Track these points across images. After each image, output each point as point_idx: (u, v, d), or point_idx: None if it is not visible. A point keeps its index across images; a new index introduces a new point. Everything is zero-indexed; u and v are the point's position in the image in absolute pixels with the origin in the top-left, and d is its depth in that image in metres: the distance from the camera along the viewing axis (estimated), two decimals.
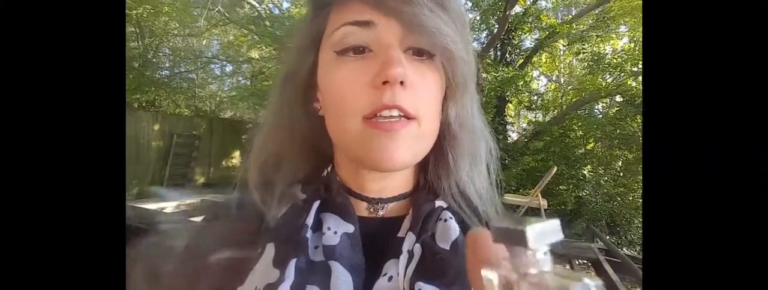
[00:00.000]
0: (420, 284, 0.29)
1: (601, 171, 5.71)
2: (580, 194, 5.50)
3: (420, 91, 0.30)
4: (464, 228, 0.34)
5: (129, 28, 6.88)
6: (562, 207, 5.52)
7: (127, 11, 5.53)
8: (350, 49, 0.30)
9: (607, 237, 4.87)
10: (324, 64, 0.32)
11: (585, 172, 5.61)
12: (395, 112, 0.29)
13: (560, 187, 5.70)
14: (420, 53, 0.31)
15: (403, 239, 0.32)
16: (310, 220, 0.31)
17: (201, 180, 6.18)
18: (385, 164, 0.30)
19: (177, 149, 5.71)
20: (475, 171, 0.37)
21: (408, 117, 0.30)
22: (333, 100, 0.32)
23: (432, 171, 0.36)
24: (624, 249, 4.62)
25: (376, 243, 0.32)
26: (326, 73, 0.32)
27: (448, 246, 0.31)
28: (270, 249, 0.30)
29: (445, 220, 0.33)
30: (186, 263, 0.35)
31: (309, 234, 0.31)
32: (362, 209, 0.35)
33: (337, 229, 0.32)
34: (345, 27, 0.30)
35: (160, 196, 4.27)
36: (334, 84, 0.31)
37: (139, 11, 5.71)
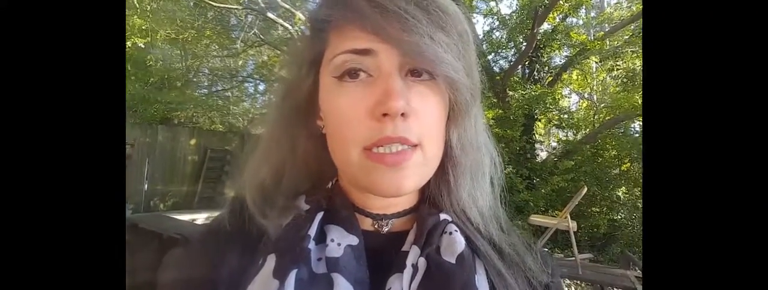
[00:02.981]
0: None
1: (637, 193, 5.38)
2: (615, 217, 5.19)
3: (422, 117, 0.30)
4: (470, 242, 0.34)
5: (175, 51, 7.44)
6: (595, 230, 5.23)
7: (175, 36, 6.00)
8: (347, 72, 0.30)
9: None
10: (324, 87, 0.32)
11: (619, 194, 5.31)
12: (397, 145, 0.29)
13: (593, 209, 5.41)
14: (420, 74, 0.31)
15: (407, 253, 0.32)
16: (312, 231, 0.31)
17: (231, 193, 6.41)
18: (391, 194, 0.30)
19: (210, 163, 5.98)
20: (478, 188, 0.37)
21: (411, 145, 0.30)
22: (334, 126, 0.31)
23: (434, 188, 0.36)
24: None
25: (380, 257, 0.32)
26: (327, 98, 0.32)
27: (454, 259, 0.31)
28: (271, 261, 0.30)
29: (450, 233, 0.33)
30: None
31: (312, 245, 0.30)
32: (367, 224, 0.35)
33: (340, 241, 0.31)
34: (344, 55, 0.30)
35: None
36: (334, 110, 0.31)
37: (185, 36, 6.16)
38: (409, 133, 0.29)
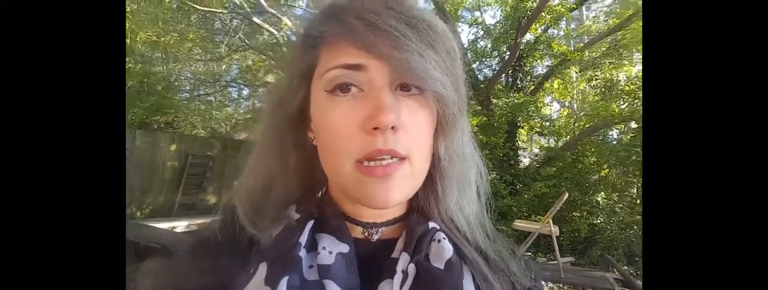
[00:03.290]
0: None
1: (615, 198, 5.54)
2: (594, 221, 5.32)
3: (411, 131, 0.31)
4: (457, 249, 0.35)
5: (156, 54, 7.29)
6: (576, 234, 5.34)
7: (156, 39, 5.89)
8: (339, 87, 0.31)
9: (625, 267, 4.65)
10: (316, 100, 0.33)
11: (598, 199, 5.45)
12: (387, 157, 0.30)
13: (574, 214, 5.53)
14: (410, 89, 0.32)
15: (397, 260, 0.33)
16: (303, 239, 0.32)
17: (213, 200, 6.26)
18: (380, 205, 0.31)
19: (191, 169, 5.84)
20: (464, 197, 0.38)
21: (400, 158, 0.31)
22: (325, 139, 0.32)
23: (423, 198, 0.37)
24: None
25: (370, 264, 0.33)
26: (318, 111, 0.33)
27: (443, 265, 0.32)
28: (262, 269, 0.30)
29: (439, 241, 0.34)
30: None
31: (303, 253, 0.31)
32: (357, 232, 0.36)
33: (332, 249, 0.32)
34: (336, 70, 0.31)
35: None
36: (325, 124, 0.32)
37: (167, 38, 6.05)
38: (398, 146, 0.30)
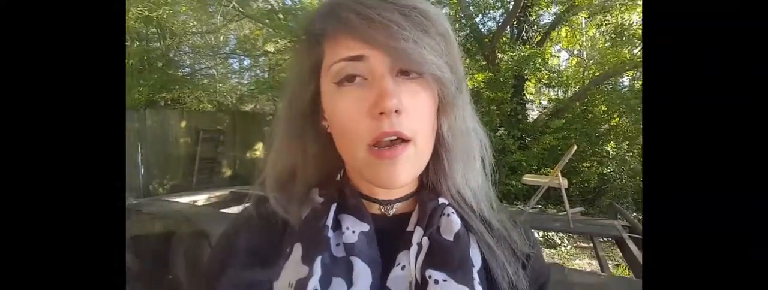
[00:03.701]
0: (430, 271, 0.34)
1: (625, 147, 5.53)
2: (604, 171, 5.37)
3: (414, 113, 0.33)
4: (464, 221, 0.38)
5: (151, 29, 7.13)
6: (586, 184, 5.43)
7: (148, 13, 5.73)
8: (345, 78, 0.33)
9: (634, 214, 4.77)
10: (326, 92, 0.36)
11: (608, 148, 5.45)
12: (394, 137, 0.33)
13: (584, 165, 5.58)
14: (409, 73, 0.34)
15: (412, 233, 0.37)
16: (330, 221, 0.36)
17: (228, 172, 6.45)
18: (390, 185, 0.35)
19: (204, 144, 5.97)
20: (469, 170, 0.40)
21: (405, 139, 0.33)
22: (338, 127, 0.35)
23: (432, 174, 0.40)
24: None
25: (388, 237, 0.37)
26: (329, 102, 0.35)
27: (452, 237, 0.36)
28: (298, 249, 0.35)
29: (448, 215, 0.38)
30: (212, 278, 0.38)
31: (330, 233, 0.35)
32: (374, 208, 0.40)
33: (354, 229, 0.36)
34: (340, 63, 0.33)
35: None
36: (336, 113, 0.35)
37: (160, 13, 5.88)
38: (403, 128, 0.33)
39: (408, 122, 0.33)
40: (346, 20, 0.32)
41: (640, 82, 5.91)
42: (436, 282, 0.33)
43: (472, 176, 0.40)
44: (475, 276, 0.35)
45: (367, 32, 0.31)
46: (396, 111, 0.32)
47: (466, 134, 0.39)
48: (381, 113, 0.32)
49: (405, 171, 0.34)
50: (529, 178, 3.66)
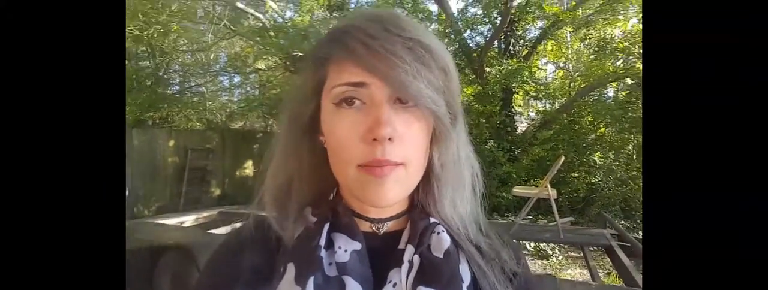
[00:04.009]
0: (421, 288, 0.35)
1: (612, 156, 5.61)
2: (592, 180, 5.43)
3: (407, 141, 0.35)
4: (454, 240, 0.39)
5: (140, 48, 7.15)
6: (575, 194, 5.47)
7: (139, 32, 5.77)
8: (344, 100, 0.35)
9: (622, 221, 4.79)
10: (325, 111, 0.37)
11: (595, 158, 5.53)
12: (384, 163, 0.34)
13: (572, 175, 5.63)
14: (406, 102, 0.35)
15: (403, 251, 0.37)
16: (322, 241, 0.36)
17: (217, 192, 6.37)
18: (378, 203, 0.36)
19: (192, 163, 5.90)
20: (458, 197, 0.42)
21: (396, 164, 0.34)
22: (333, 146, 0.36)
23: (422, 197, 0.42)
24: (639, 232, 4.54)
25: (379, 255, 0.37)
26: (327, 121, 0.37)
27: (442, 254, 0.37)
28: (291, 269, 0.35)
29: (438, 233, 0.39)
30: None
31: (323, 253, 0.36)
32: (365, 226, 0.41)
33: (346, 248, 0.37)
34: (341, 87, 0.35)
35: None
36: (333, 133, 0.36)
37: (151, 32, 5.93)
38: (394, 155, 0.34)
39: (400, 149, 0.34)
40: (352, 49, 0.34)
41: (624, 93, 6.05)
42: None
43: (460, 203, 0.42)
44: None
45: (370, 62, 0.33)
46: (389, 139, 0.33)
47: (457, 164, 0.41)
48: (374, 139, 0.33)
49: (393, 190, 0.35)
50: (518, 190, 3.68)
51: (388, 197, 0.35)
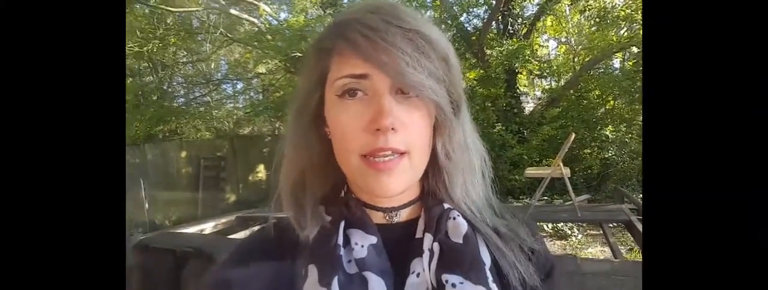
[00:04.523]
0: (445, 275, 0.35)
1: (624, 129, 5.49)
2: (606, 155, 5.33)
3: (409, 129, 0.35)
4: (470, 224, 0.40)
5: (142, 64, 7.26)
6: (589, 171, 5.39)
7: (139, 48, 5.85)
8: (347, 91, 0.35)
9: (640, 195, 4.71)
10: (329, 103, 0.37)
11: (607, 133, 5.42)
12: (389, 153, 0.34)
13: (585, 151, 5.54)
14: (408, 92, 0.35)
15: (422, 239, 0.38)
16: (340, 240, 0.37)
17: (232, 198, 6.48)
18: (384, 194, 0.36)
19: (206, 172, 6.01)
20: (470, 183, 0.42)
21: (400, 153, 0.35)
22: (337, 136, 0.37)
23: (433, 184, 0.41)
24: None
25: (398, 246, 0.38)
26: (331, 112, 0.37)
27: (461, 239, 0.37)
28: (313, 271, 0.36)
29: (454, 218, 0.39)
30: None
31: (342, 251, 0.36)
32: (379, 218, 0.41)
33: (363, 243, 0.37)
34: (344, 79, 0.35)
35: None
36: (337, 124, 0.36)
37: (150, 47, 6.00)
38: (398, 144, 0.34)
39: (404, 137, 0.35)
40: (353, 40, 0.34)
41: (631, 63, 5.90)
42: (454, 285, 0.34)
43: (472, 188, 0.42)
44: (488, 274, 0.36)
45: (371, 53, 0.33)
46: (392, 128, 0.34)
47: (465, 150, 0.41)
48: (377, 129, 0.34)
49: (399, 181, 0.35)
50: (531, 171, 3.64)
51: (393, 188, 0.35)
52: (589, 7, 6.33)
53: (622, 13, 5.48)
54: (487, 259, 0.38)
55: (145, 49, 5.96)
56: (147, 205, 5.33)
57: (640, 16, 5.11)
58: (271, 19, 6.94)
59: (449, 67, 0.36)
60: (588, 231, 4.46)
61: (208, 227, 3.86)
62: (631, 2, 5.57)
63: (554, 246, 4.17)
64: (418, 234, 0.39)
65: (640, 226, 2.87)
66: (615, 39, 5.63)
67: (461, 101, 0.39)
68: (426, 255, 0.37)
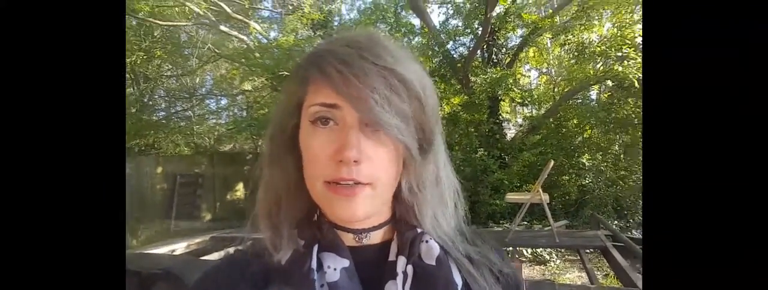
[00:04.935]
0: None
1: (600, 158, 5.68)
2: (583, 182, 5.47)
3: (374, 163, 0.36)
4: (442, 249, 0.40)
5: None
6: (567, 197, 5.49)
7: None
8: (319, 119, 0.36)
9: (616, 221, 4.80)
10: (303, 128, 0.38)
11: (584, 160, 5.59)
12: (350, 182, 0.35)
13: (563, 178, 5.67)
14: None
15: (395, 262, 0.38)
16: (313, 264, 0.37)
17: (208, 216, 6.27)
18: (347, 220, 0.37)
19: (181, 189, 5.83)
20: (440, 215, 0.42)
21: (363, 184, 0.35)
22: (306, 161, 0.38)
23: (403, 212, 0.42)
24: (633, 231, 4.55)
25: (372, 268, 0.38)
26: (304, 138, 0.38)
27: (434, 261, 0.38)
28: None
29: (427, 242, 0.40)
30: None
31: (315, 276, 0.36)
32: (349, 239, 0.41)
33: (335, 266, 0.37)
34: (316, 106, 0.36)
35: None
36: (307, 150, 0.37)
37: (133, 59, 5.93)
38: (360, 176, 0.35)
39: (368, 170, 0.35)
40: (327, 73, 0.35)
41: (606, 95, 6.18)
42: None
43: (443, 219, 0.42)
44: None
45: (342, 87, 0.34)
46: (355, 161, 0.34)
47: (434, 184, 0.41)
48: (340, 161, 0.34)
49: (362, 207, 0.36)
50: (511, 196, 3.68)
51: (357, 214, 0.36)
52: (568, 41, 6.68)
53: (598, 49, 5.80)
54: (459, 281, 0.39)
55: (128, 60, 5.87)
56: None
57: (613, 53, 5.42)
58: (260, 37, 7.00)
59: (423, 107, 0.37)
60: (566, 256, 4.50)
61: (180, 247, 3.69)
62: (605, 39, 5.92)
63: (533, 271, 4.17)
64: (392, 257, 0.39)
65: (615, 252, 2.92)
66: (592, 72, 5.91)
67: (435, 136, 0.39)
68: (399, 277, 0.37)
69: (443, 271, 0.38)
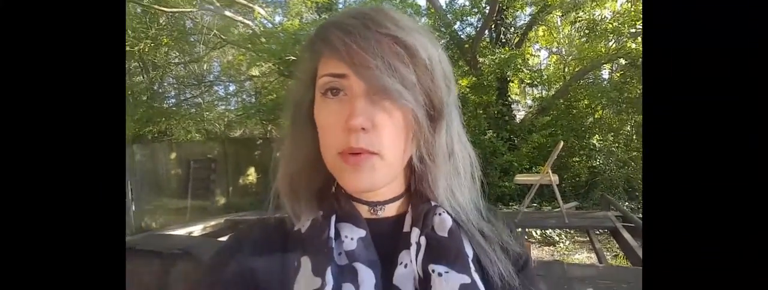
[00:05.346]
0: (432, 265, 0.37)
1: (611, 138, 5.61)
2: (593, 164, 5.43)
3: (383, 131, 0.36)
4: (455, 222, 0.42)
5: (132, 63, 7.17)
6: (577, 179, 5.48)
7: (129, 48, 5.78)
8: (329, 90, 0.37)
9: (626, 202, 4.79)
10: (316, 100, 0.39)
11: (594, 142, 5.53)
12: (358, 151, 0.36)
13: (573, 159, 5.64)
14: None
15: (409, 233, 0.40)
16: (332, 233, 0.38)
17: (222, 201, 6.41)
18: (353, 190, 0.38)
19: (195, 174, 5.95)
20: (455, 186, 0.43)
21: (371, 153, 0.36)
22: (320, 132, 0.39)
23: (418, 184, 0.43)
24: None
25: (387, 239, 0.40)
26: (317, 109, 0.39)
27: (446, 233, 0.40)
28: (306, 262, 0.37)
29: (440, 214, 0.41)
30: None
31: (334, 244, 0.38)
32: (365, 211, 0.42)
33: (352, 236, 0.39)
34: (326, 77, 0.37)
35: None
36: (320, 121, 0.38)
37: (141, 47, 5.94)
38: (369, 145, 0.35)
39: (376, 138, 0.36)
40: (332, 43, 0.36)
41: (618, 74, 6.04)
42: (440, 274, 0.37)
43: (458, 191, 0.43)
44: (471, 265, 0.39)
45: (346, 56, 0.35)
46: (363, 128, 0.35)
47: (448, 156, 0.42)
48: (350, 129, 0.35)
49: (369, 178, 0.36)
50: (520, 178, 3.69)
51: (363, 184, 0.36)
52: (579, 18, 6.49)
53: (610, 25, 5.63)
54: (470, 252, 0.40)
55: (136, 48, 5.89)
56: (133, 207, 5.24)
57: (626, 29, 5.26)
58: (265, 21, 6.94)
59: (431, 74, 0.37)
60: (575, 237, 4.53)
61: (196, 230, 3.81)
62: (619, 16, 5.73)
63: (543, 252, 4.22)
64: (406, 229, 0.41)
65: (624, 232, 2.93)
66: (604, 50, 5.77)
67: (445, 106, 0.39)
68: (413, 247, 0.39)
69: (455, 242, 0.39)
